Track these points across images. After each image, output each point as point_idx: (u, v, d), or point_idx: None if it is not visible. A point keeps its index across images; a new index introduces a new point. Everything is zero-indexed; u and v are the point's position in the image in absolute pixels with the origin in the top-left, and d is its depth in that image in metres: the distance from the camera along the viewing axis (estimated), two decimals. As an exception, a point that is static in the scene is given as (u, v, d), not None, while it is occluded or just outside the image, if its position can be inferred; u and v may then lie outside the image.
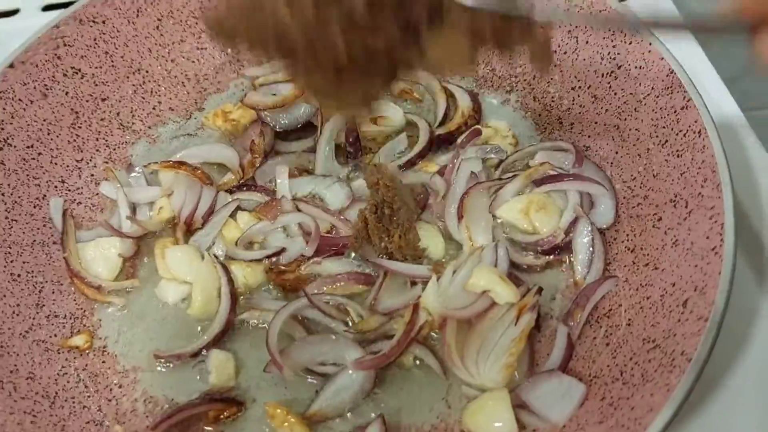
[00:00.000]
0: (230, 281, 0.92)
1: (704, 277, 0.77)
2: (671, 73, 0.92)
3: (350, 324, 0.90)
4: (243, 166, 1.04)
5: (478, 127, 1.06)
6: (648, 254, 0.89)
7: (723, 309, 0.72)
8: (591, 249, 0.93)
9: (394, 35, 0.66)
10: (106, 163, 1.09)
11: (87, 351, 0.91)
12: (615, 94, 1.00)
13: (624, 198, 0.97)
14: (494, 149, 1.05)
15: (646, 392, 0.72)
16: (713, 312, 0.72)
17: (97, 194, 1.06)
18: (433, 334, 0.90)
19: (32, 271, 0.95)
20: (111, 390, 0.88)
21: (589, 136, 1.04)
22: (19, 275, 0.93)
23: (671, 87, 0.92)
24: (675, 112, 0.91)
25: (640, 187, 0.94)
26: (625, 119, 0.99)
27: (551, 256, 0.95)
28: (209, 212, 0.99)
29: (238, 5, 0.67)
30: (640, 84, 0.97)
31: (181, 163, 1.02)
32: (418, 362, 0.88)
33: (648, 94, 0.95)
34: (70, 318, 0.94)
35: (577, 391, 0.79)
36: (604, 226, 0.96)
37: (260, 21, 0.65)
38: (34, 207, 1.00)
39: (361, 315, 0.91)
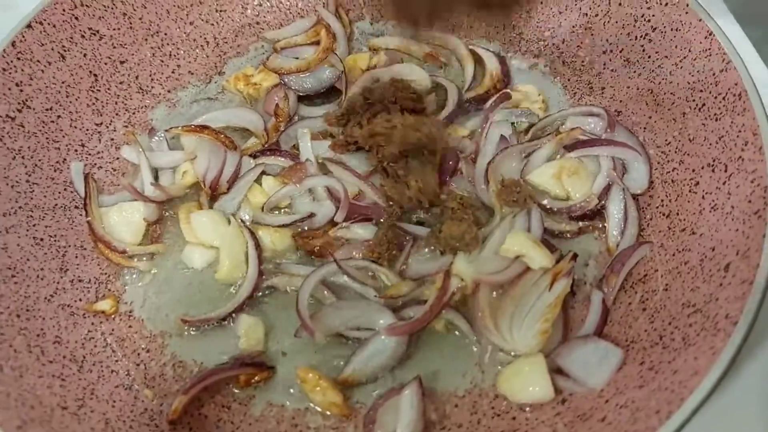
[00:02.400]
0: (257, 245, 0.90)
1: (747, 240, 0.75)
2: (710, 35, 0.89)
3: (380, 290, 0.89)
4: (267, 130, 1.02)
5: (508, 90, 1.04)
6: (684, 219, 0.87)
7: (768, 272, 0.71)
8: (624, 214, 0.92)
9: None
10: (126, 127, 1.07)
11: (113, 316, 0.90)
12: (649, 57, 0.98)
13: (658, 163, 0.95)
14: (525, 113, 1.03)
15: (689, 356, 0.71)
16: (758, 275, 0.71)
17: (118, 158, 1.04)
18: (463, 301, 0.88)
19: (55, 236, 0.93)
20: (139, 354, 0.87)
21: (621, 101, 1.02)
22: (41, 239, 0.92)
23: (709, 49, 0.89)
24: (713, 75, 0.88)
25: (675, 152, 0.93)
26: (660, 83, 0.96)
27: (584, 222, 0.94)
28: (234, 177, 0.97)
29: None
30: (676, 47, 0.94)
31: (203, 127, 1.00)
32: (450, 328, 0.87)
33: (684, 57, 0.93)
34: (95, 282, 0.93)
35: (615, 356, 0.78)
36: (638, 192, 0.94)
37: None
38: (55, 171, 0.98)
39: (391, 281, 0.89)
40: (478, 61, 1.11)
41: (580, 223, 0.94)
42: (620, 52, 1.02)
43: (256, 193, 0.96)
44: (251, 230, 0.92)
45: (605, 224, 0.93)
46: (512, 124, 1.03)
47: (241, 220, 0.93)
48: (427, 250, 0.92)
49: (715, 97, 0.88)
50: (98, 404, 0.79)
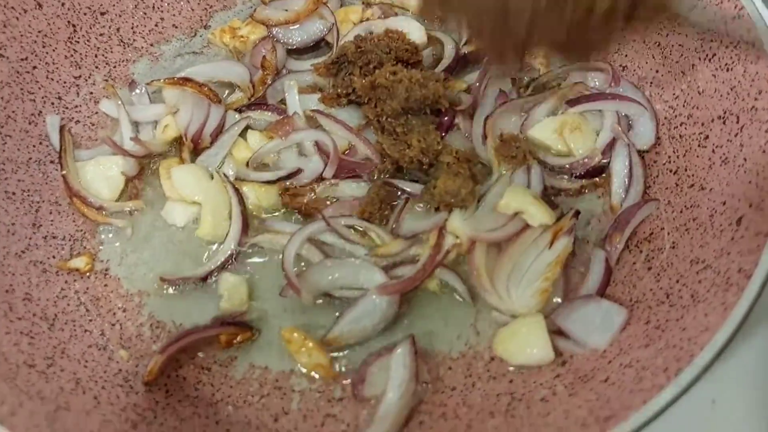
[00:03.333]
0: (241, 201, 0.86)
1: (761, 192, 0.71)
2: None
3: (371, 249, 0.84)
4: (253, 83, 0.97)
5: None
6: (693, 175, 0.82)
7: (787, 224, 0.66)
8: (629, 171, 0.87)
9: None
10: (106, 80, 1.01)
11: (88, 274, 0.85)
12: (655, 9, 0.93)
13: (665, 118, 0.90)
14: (525, 68, 0.98)
15: (699, 313, 0.66)
16: (774, 226, 0.66)
17: (97, 113, 0.99)
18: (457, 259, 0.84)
19: (28, 190, 0.89)
20: (114, 314, 0.83)
21: (626, 55, 0.97)
22: (13, 193, 0.87)
23: (721, -5, 0.84)
24: (725, 23, 0.83)
25: (684, 106, 0.88)
26: (668, 35, 0.91)
27: (587, 180, 0.89)
28: (218, 131, 0.92)
29: None
30: (682, -3, 0.89)
31: (186, 80, 0.95)
32: (444, 288, 0.82)
33: (694, 5, 0.87)
34: (69, 240, 0.88)
35: (618, 316, 0.74)
36: (644, 148, 0.89)
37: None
38: (29, 123, 0.93)
39: (382, 239, 0.84)
40: (476, 14, 1.05)
41: (583, 181, 0.89)
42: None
43: (241, 148, 0.91)
44: (235, 186, 0.87)
45: (609, 182, 0.88)
46: (512, 80, 0.98)
47: (225, 175, 0.88)
48: (420, 207, 0.87)
49: (727, 47, 0.83)
50: (69, 363, 0.74)
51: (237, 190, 0.86)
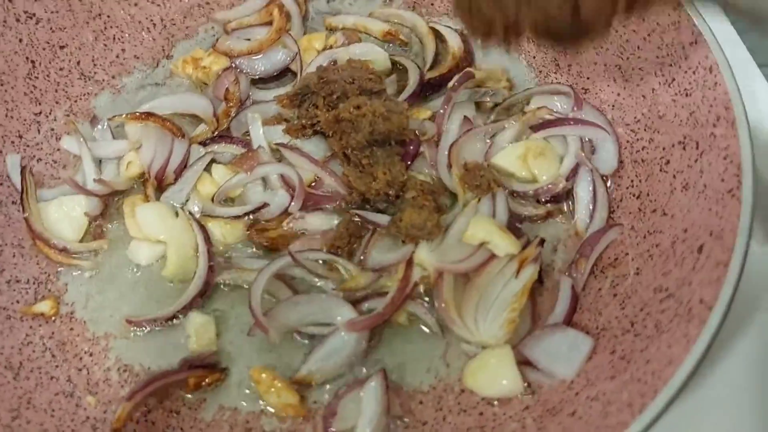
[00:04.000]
0: (207, 239, 0.85)
1: (720, 221, 0.72)
2: (678, 6, 0.85)
3: (339, 282, 0.84)
4: (217, 116, 0.96)
5: (471, 69, 0.99)
6: (655, 200, 0.83)
7: (744, 253, 0.67)
8: (593, 196, 0.88)
9: None
10: (68, 116, 1.00)
11: (53, 318, 0.84)
12: (616, 31, 0.93)
13: (627, 142, 0.91)
14: (489, 92, 0.98)
15: (663, 344, 0.67)
16: (734, 257, 0.67)
17: (58, 150, 0.97)
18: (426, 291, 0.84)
19: (-11, 233, 0.87)
20: (81, 359, 0.82)
21: (588, 78, 0.98)
22: (-27, 238, 0.85)
23: (678, 22, 0.85)
24: (683, 48, 0.84)
25: (645, 130, 0.89)
26: (628, 58, 0.92)
27: (551, 205, 0.89)
28: (182, 166, 0.91)
29: None
30: (643, 20, 0.90)
31: (149, 114, 0.94)
32: (413, 320, 0.82)
33: (653, 30, 0.88)
34: (34, 283, 0.87)
35: (585, 345, 0.74)
36: (607, 173, 0.90)
37: None
38: (-11, 164, 0.91)
39: (350, 273, 0.84)
40: (439, 39, 1.06)
41: (548, 206, 0.89)
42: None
43: (205, 183, 0.91)
44: (200, 223, 0.86)
45: (574, 207, 0.89)
46: (476, 104, 0.98)
47: (190, 213, 0.87)
48: (387, 239, 0.87)
49: (686, 72, 0.84)
50: (35, 414, 0.74)
51: (202, 227, 0.85)
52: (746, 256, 0.67)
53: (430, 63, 1.04)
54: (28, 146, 0.96)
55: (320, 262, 0.85)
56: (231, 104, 0.96)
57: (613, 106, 0.94)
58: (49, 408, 0.75)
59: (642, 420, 0.60)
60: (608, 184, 0.90)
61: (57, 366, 0.80)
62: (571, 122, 0.92)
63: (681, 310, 0.69)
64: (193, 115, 0.98)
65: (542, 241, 0.83)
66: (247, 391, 0.79)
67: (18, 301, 0.84)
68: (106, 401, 0.78)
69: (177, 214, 0.87)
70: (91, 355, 0.82)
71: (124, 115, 0.95)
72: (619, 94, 0.93)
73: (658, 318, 0.71)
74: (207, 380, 0.78)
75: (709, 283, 0.67)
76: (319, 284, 0.85)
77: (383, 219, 0.87)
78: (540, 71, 1.03)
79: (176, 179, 0.90)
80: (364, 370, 0.79)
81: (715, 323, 0.64)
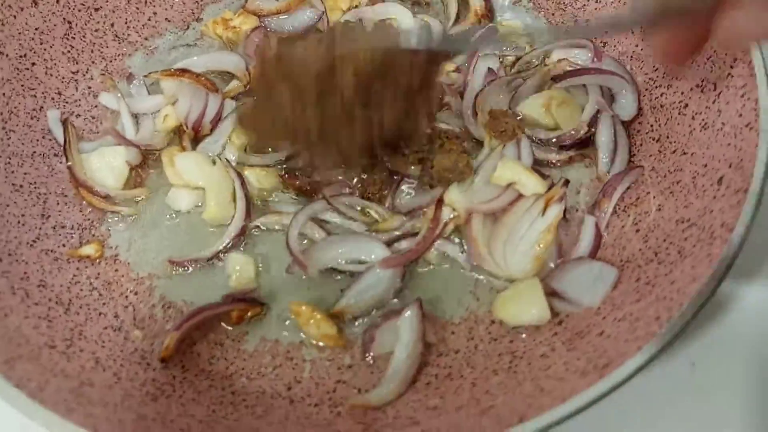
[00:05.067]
0: (244, 185, 0.89)
1: (739, 152, 0.75)
2: None
3: (371, 225, 0.88)
4: (249, 71, 0.99)
5: (494, 25, 1.02)
6: (675, 141, 0.86)
7: (762, 179, 0.70)
8: (614, 141, 0.91)
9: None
10: (103, 75, 1.03)
11: (98, 260, 0.88)
12: (634, -16, 0.97)
13: (646, 89, 0.94)
14: (512, 46, 1.02)
15: (686, 266, 0.70)
16: (753, 183, 0.70)
17: (96, 106, 1.01)
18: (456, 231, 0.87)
19: (35, 183, 0.91)
20: (127, 297, 0.85)
21: (606, 32, 1.01)
22: (21, 186, 0.89)
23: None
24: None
25: (663, 77, 0.92)
26: (645, 10, 0.95)
27: (574, 151, 0.93)
28: (217, 118, 0.95)
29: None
30: (660, -29, 0.93)
31: (183, 71, 0.97)
32: (444, 258, 0.86)
33: (670, -19, 0.92)
34: (78, 228, 0.90)
35: (609, 275, 0.78)
36: (627, 119, 0.93)
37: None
38: (32, 119, 0.95)
39: (382, 216, 0.88)
40: (460, -3, 1.09)
41: (571, 152, 0.93)
42: (604, -18, 1.01)
43: (240, 134, 0.94)
44: (237, 170, 0.90)
45: (596, 152, 0.92)
46: (498, 57, 1.02)
47: (227, 161, 0.91)
48: (414, 186, 0.91)
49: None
50: (87, 344, 0.77)
51: (239, 174, 0.89)
52: (765, 182, 0.71)
53: (453, 21, 1.07)
54: (67, 103, 0.99)
55: (355, 207, 0.89)
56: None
57: (632, 57, 0.97)
58: (99, 340, 0.79)
59: (670, 329, 0.63)
60: (629, 129, 0.93)
61: (104, 303, 0.84)
62: (591, 71, 0.95)
63: (703, 235, 0.72)
64: (224, 72, 1.02)
65: (567, 182, 0.87)
66: (288, 323, 0.82)
67: (64, 245, 0.88)
68: (152, 335, 0.82)
69: (214, 162, 0.91)
70: (136, 293, 0.86)
71: (159, 72, 0.98)
72: (637, 45, 0.96)
73: (681, 245, 0.74)
74: (249, 313, 0.82)
75: (730, 207, 0.71)
76: (351, 227, 0.88)
77: (413, 170, 0.91)
78: (559, 27, 1.07)
79: (212, 130, 0.94)
80: (398, 304, 0.83)
81: (736, 242, 0.67)
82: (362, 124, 0.76)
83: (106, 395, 0.69)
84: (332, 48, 0.72)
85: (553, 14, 1.08)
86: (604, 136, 0.92)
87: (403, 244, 0.86)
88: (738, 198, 0.71)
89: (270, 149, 0.91)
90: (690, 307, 0.64)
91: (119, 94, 0.98)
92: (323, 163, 0.87)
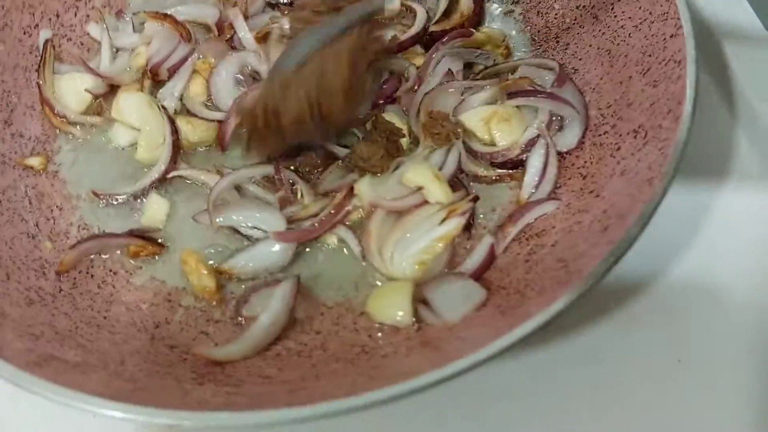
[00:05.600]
0: (175, 132, 0.93)
1: (630, 204, 0.73)
2: None
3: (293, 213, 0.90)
4: (221, 27, 1.03)
5: (470, 29, 1.02)
6: (596, 182, 0.85)
7: (634, 235, 0.69)
8: (543, 170, 0.90)
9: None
10: (104, 6, 1.10)
11: (41, 172, 0.95)
12: (615, 16, 0.94)
13: (594, 125, 0.92)
14: (483, 55, 1.01)
15: (534, 303, 0.70)
16: (623, 236, 0.69)
17: (87, 34, 1.08)
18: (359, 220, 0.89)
19: (9, 91, 0.99)
20: (52, 211, 0.93)
21: (580, 59, 0.98)
22: (-7, 91, 0.98)
23: (667, 13, 0.85)
24: (664, 40, 0.84)
25: (612, 116, 0.89)
26: (618, 44, 0.92)
27: (504, 171, 0.92)
28: (176, 67, 1.00)
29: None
30: (640, 8, 0.90)
31: (167, 15, 1.03)
32: (340, 244, 0.88)
33: (645, 20, 0.89)
34: (34, 140, 0.98)
35: (477, 297, 0.77)
36: (564, 150, 0.91)
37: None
38: (24, 34, 1.03)
39: (304, 200, 0.90)
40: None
41: (499, 171, 0.92)
42: (592, 8, 0.98)
43: (198, 82, 0.99)
44: (171, 118, 0.95)
45: (522, 176, 0.91)
46: (469, 64, 1.01)
47: (163, 106, 0.96)
48: (342, 170, 0.93)
49: (660, 63, 0.84)
50: (-5, 243, 0.85)
51: (172, 121, 0.94)
52: (635, 240, 0.69)
53: (438, 16, 1.07)
54: (62, 26, 1.07)
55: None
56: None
57: (594, 88, 0.94)
58: (10, 242, 0.86)
59: (498, 344, 0.64)
60: (564, 161, 0.91)
61: (30, 212, 0.91)
62: (545, 95, 0.93)
63: (564, 277, 0.71)
64: (206, 24, 1.06)
65: (475, 199, 0.87)
66: (178, 269, 0.87)
67: (16, 153, 0.96)
68: (60, 250, 0.89)
69: (152, 106, 0.96)
70: (60, 209, 0.93)
71: (145, 12, 1.04)
72: (601, 78, 0.94)
73: (544, 284, 0.73)
74: (145, 251, 0.87)
75: (596, 257, 0.69)
76: (265, 198, 0.91)
77: (344, 152, 0.93)
78: (540, 45, 1.05)
79: (169, 77, 0.99)
80: (284, 274, 0.86)
81: (576, 290, 0.66)
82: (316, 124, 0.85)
83: (-17, 290, 0.77)
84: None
85: (538, 31, 1.06)
86: (535, 162, 0.90)
87: (305, 223, 0.88)
88: (605, 249, 0.69)
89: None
90: (501, 342, 0.64)
91: (105, 26, 1.04)
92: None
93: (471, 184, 0.92)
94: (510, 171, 0.92)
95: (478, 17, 1.07)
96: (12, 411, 0.82)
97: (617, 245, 0.68)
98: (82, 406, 0.62)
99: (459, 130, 0.93)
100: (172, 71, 0.99)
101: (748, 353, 0.83)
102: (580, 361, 0.83)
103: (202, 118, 0.96)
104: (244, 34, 1.00)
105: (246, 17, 1.03)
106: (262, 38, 1.00)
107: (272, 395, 0.69)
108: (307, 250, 0.88)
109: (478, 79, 0.99)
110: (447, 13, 1.08)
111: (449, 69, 0.98)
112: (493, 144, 0.93)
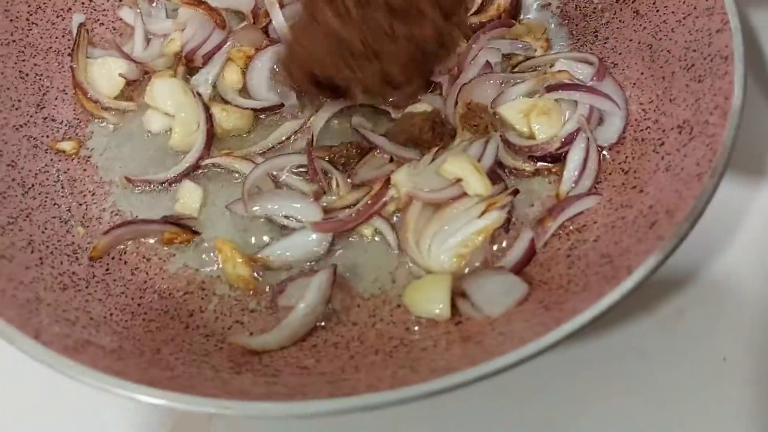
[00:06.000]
0: (210, 120, 0.92)
1: (679, 200, 0.72)
2: None
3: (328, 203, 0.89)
4: (257, 15, 1.02)
5: (510, 20, 1.01)
6: (639, 177, 0.83)
7: (684, 232, 0.67)
8: (583, 164, 0.88)
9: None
10: (138, -10, 1.10)
11: (73, 157, 0.95)
12: (657, 11, 0.92)
13: (635, 120, 0.90)
14: (524, 46, 1.00)
15: (578, 299, 0.69)
16: (673, 233, 0.67)
17: (120, 19, 1.08)
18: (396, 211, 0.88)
19: (41, 74, 0.98)
20: (84, 196, 0.92)
21: (620, 54, 0.97)
22: (27, 74, 0.97)
23: (713, 8, 0.83)
24: (710, 35, 0.83)
25: (654, 111, 0.88)
26: (660, 39, 0.91)
27: (541, 163, 0.91)
28: (211, 54, 0.99)
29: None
30: (684, 2, 0.88)
31: (201, 2, 1.02)
32: (377, 233, 0.87)
33: (689, 14, 0.87)
34: (66, 125, 0.97)
35: (518, 291, 0.76)
36: (605, 144, 0.90)
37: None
38: (57, 17, 1.03)
39: (340, 189, 0.89)
40: (487, -13, 1.07)
41: (538, 164, 0.91)
42: (632, 2, 0.97)
43: (233, 70, 0.98)
44: (206, 105, 0.94)
45: (562, 170, 0.89)
46: (506, 55, 1.00)
47: (198, 93, 0.95)
48: (379, 160, 0.92)
49: (705, 58, 0.82)
50: (29, 226, 0.84)
51: (207, 108, 0.93)
52: (685, 236, 0.67)
53: (476, 8, 1.05)
54: (95, 10, 1.06)
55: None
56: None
57: (634, 83, 0.93)
58: (43, 226, 0.85)
59: (545, 340, 0.63)
60: (604, 155, 0.90)
61: (63, 196, 0.91)
62: (585, 89, 0.92)
63: (610, 273, 0.70)
64: (240, 12, 1.05)
65: (515, 192, 0.85)
66: (212, 256, 0.86)
67: (47, 136, 0.95)
68: (93, 235, 0.88)
69: (186, 92, 0.94)
70: (93, 194, 0.92)
71: (179, -2, 1.03)
72: (642, 73, 0.92)
73: (588, 279, 0.72)
74: (179, 238, 0.86)
75: (644, 252, 0.68)
76: (301, 188, 0.90)
77: (382, 140, 0.92)
78: (578, 40, 1.03)
79: (204, 64, 0.98)
80: (320, 265, 0.85)
81: (628, 286, 0.65)
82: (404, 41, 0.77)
83: (18, 273, 0.76)
84: None
85: (576, 25, 1.04)
86: (575, 156, 0.89)
87: (341, 213, 0.87)
88: (654, 245, 0.68)
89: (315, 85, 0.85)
90: (555, 334, 0.63)
91: (138, 11, 1.04)
92: (372, 85, 0.82)
93: (509, 177, 0.91)
94: (549, 164, 0.91)
95: (515, 9, 1.05)
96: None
97: (668, 242, 0.67)
98: (124, 393, 0.62)
99: (497, 121, 0.91)
100: (207, 58, 0.98)
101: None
102: (622, 355, 0.81)
103: (237, 106, 0.94)
104: (280, 23, 0.98)
105: (282, 5, 1.01)
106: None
107: (312, 386, 0.68)
108: (344, 240, 0.87)
109: (516, 72, 0.97)
110: (483, 5, 1.06)
111: (487, 60, 0.97)
112: (532, 137, 0.91)
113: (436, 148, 0.88)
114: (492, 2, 1.06)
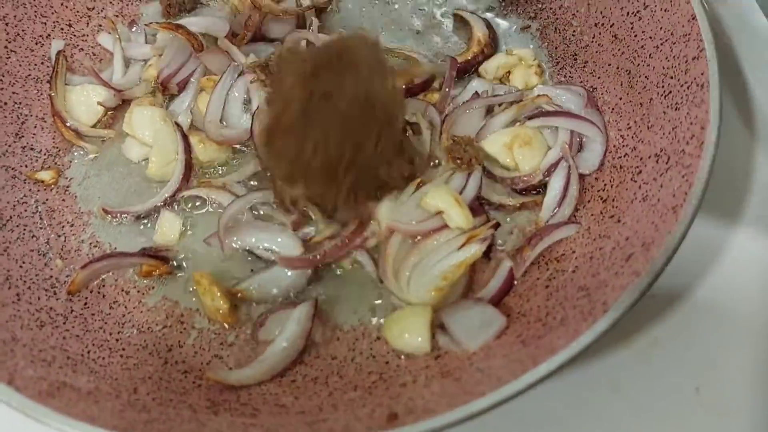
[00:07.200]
0: (188, 150, 0.92)
1: (655, 233, 0.72)
2: (692, 19, 0.83)
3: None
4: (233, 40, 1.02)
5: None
6: (617, 206, 0.83)
7: (659, 268, 0.67)
8: (564, 192, 0.88)
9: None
10: (116, 16, 1.09)
11: (51, 186, 0.94)
12: (635, 36, 0.92)
13: (614, 147, 0.90)
14: (510, 91, 0.99)
15: (556, 335, 0.69)
16: (649, 268, 0.67)
17: (99, 44, 1.07)
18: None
19: (20, 103, 0.98)
20: (63, 227, 0.91)
21: (599, 78, 0.97)
22: (5, 103, 0.96)
23: (689, 35, 0.83)
24: (686, 62, 0.83)
25: (632, 138, 0.88)
26: (639, 64, 0.91)
27: (526, 196, 0.91)
28: (185, 81, 0.98)
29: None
30: (661, 28, 0.88)
31: (179, 26, 1.00)
32: (356, 267, 0.87)
33: (666, 40, 0.87)
34: (45, 154, 0.97)
35: (496, 324, 0.76)
36: (587, 172, 0.90)
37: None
38: (36, 43, 1.02)
39: (321, 225, 0.88)
40: (464, 25, 1.07)
41: (522, 199, 0.90)
42: (611, 26, 0.96)
43: (205, 100, 0.97)
44: (185, 134, 0.93)
45: (543, 199, 0.89)
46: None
47: (176, 123, 0.94)
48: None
49: (681, 86, 0.82)
50: (6, 261, 0.83)
51: (185, 137, 0.92)
52: (661, 271, 0.68)
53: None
54: (74, 35, 1.06)
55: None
56: (247, 31, 1.02)
57: (613, 108, 0.93)
58: (21, 260, 0.85)
59: (523, 381, 0.63)
60: (584, 183, 0.90)
61: (41, 228, 0.90)
62: (567, 115, 0.92)
63: (587, 308, 0.70)
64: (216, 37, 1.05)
65: (496, 225, 0.85)
66: (191, 290, 0.86)
67: (26, 166, 0.94)
68: (71, 267, 0.87)
69: (165, 121, 0.94)
70: (72, 225, 0.92)
71: (158, 23, 1.02)
72: (621, 99, 0.92)
73: (565, 313, 0.72)
74: (158, 271, 0.86)
75: (619, 288, 0.68)
76: (280, 219, 0.89)
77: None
78: (557, 63, 1.03)
79: (179, 92, 0.98)
80: (299, 297, 0.85)
81: (604, 324, 0.65)
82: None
83: (-6, 312, 0.75)
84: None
85: (556, 48, 1.04)
86: (556, 185, 0.89)
87: (324, 245, 0.86)
88: (629, 280, 0.68)
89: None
90: (535, 372, 0.63)
91: (117, 37, 1.03)
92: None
93: (490, 211, 0.91)
94: (533, 197, 0.90)
95: (494, 41, 1.05)
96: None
97: (644, 278, 0.67)
98: (98, 439, 0.61)
99: (481, 155, 0.90)
100: (182, 85, 0.98)
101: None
102: (596, 386, 0.82)
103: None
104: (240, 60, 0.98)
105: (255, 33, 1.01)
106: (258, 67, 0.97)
107: (290, 427, 0.67)
108: (323, 271, 0.87)
109: (497, 95, 0.97)
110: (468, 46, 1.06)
111: (476, 92, 0.97)
112: (516, 168, 0.91)
113: (418, 180, 0.87)
114: (471, 39, 1.05)
